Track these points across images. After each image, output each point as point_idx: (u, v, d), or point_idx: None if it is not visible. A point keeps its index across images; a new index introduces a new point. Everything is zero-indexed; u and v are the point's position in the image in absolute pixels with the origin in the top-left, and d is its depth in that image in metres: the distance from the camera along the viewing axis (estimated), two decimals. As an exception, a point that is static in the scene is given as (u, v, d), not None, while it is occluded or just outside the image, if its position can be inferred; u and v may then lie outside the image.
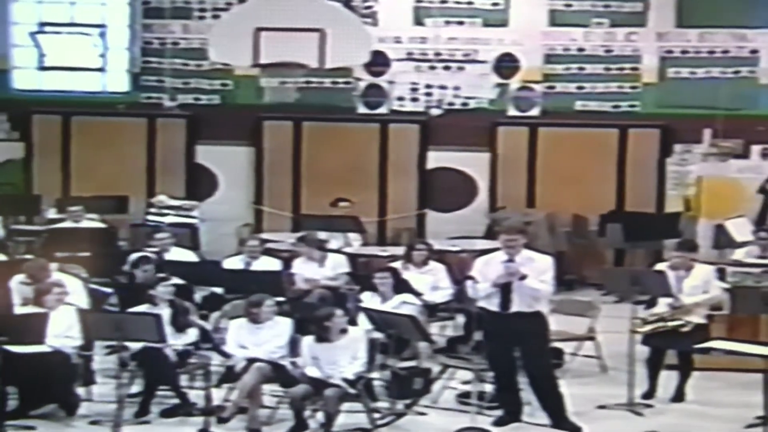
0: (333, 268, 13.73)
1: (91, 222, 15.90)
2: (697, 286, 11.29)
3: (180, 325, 10.80)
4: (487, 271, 10.34)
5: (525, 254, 10.38)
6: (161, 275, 11.64)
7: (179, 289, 11.44)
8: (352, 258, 14.42)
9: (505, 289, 10.25)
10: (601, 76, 18.28)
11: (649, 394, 11.41)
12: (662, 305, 11.37)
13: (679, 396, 11.46)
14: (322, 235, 14.61)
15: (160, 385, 10.69)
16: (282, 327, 10.76)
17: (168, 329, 10.45)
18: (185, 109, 18.58)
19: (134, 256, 13.23)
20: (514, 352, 10.41)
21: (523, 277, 10.17)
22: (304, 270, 13.71)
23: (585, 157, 18.12)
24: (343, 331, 10.39)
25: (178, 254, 13.76)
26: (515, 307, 10.27)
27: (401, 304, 11.94)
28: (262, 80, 18.25)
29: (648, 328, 11.27)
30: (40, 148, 18.66)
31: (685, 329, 11.22)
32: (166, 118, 18.60)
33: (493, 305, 10.31)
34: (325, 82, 18.34)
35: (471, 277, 10.35)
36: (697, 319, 11.32)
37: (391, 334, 10.67)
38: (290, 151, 18.60)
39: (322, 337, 10.34)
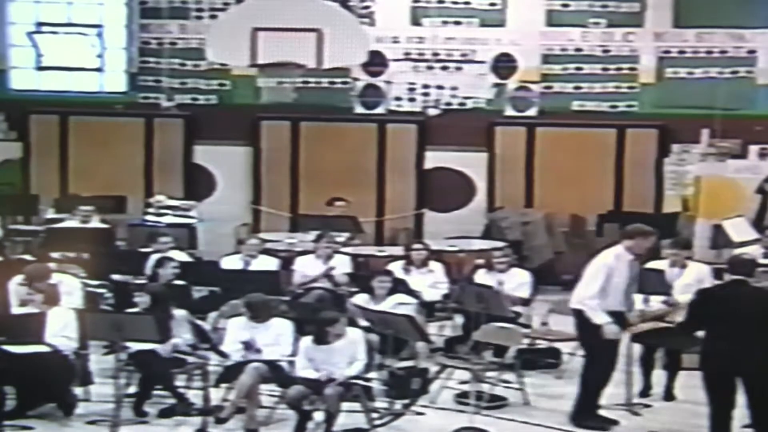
0: (336, 268, 13.71)
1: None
2: (690, 284, 11.20)
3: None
4: None
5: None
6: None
7: (178, 289, 11.43)
8: (351, 258, 14.41)
9: None
10: (598, 76, 18.26)
11: (645, 391, 11.41)
12: (655, 303, 11.34)
13: (668, 395, 11.46)
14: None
15: (155, 386, 10.69)
16: (284, 328, 10.74)
17: None
18: (183, 109, 18.55)
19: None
20: None
21: None
22: (307, 267, 13.71)
23: (583, 157, 18.11)
24: (340, 334, 10.38)
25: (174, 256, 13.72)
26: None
27: (396, 305, 11.90)
28: (259, 80, 18.22)
29: (643, 326, 11.27)
30: (37, 148, 18.62)
31: (673, 326, 11.24)
32: (164, 118, 18.56)
33: None
34: (322, 82, 18.33)
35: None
36: None
37: (387, 334, 10.67)
38: (288, 151, 18.59)
39: (320, 339, 10.33)
